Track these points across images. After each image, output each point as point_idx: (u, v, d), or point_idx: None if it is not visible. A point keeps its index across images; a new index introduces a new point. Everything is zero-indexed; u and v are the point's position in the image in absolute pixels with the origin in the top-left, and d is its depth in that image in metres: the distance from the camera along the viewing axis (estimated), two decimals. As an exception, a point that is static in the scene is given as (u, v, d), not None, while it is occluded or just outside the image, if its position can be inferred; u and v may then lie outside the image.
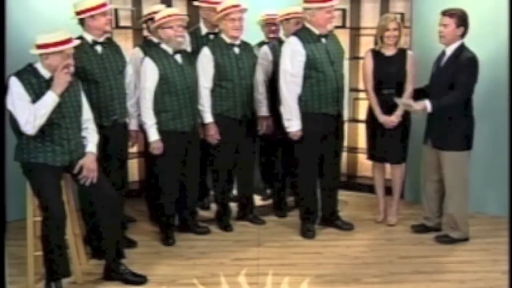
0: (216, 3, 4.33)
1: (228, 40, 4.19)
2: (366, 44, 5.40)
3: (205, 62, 4.14)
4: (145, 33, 4.84)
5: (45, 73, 3.23)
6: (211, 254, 3.98)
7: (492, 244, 4.11)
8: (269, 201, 5.00)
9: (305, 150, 4.15)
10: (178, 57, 3.98)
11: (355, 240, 4.25)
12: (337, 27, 5.46)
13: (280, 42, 4.50)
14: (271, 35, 4.66)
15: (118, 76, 3.83)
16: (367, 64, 4.35)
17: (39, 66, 3.24)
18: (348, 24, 5.45)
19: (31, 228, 3.46)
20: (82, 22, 3.71)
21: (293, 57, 4.00)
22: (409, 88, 4.29)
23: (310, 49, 4.00)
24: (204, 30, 4.54)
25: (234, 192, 4.69)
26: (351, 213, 4.85)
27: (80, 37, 4.18)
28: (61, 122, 3.25)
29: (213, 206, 4.72)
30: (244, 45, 4.27)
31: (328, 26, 4.12)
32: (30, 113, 3.11)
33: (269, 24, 4.66)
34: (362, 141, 5.56)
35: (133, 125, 4.07)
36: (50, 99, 3.16)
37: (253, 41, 4.52)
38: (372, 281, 3.57)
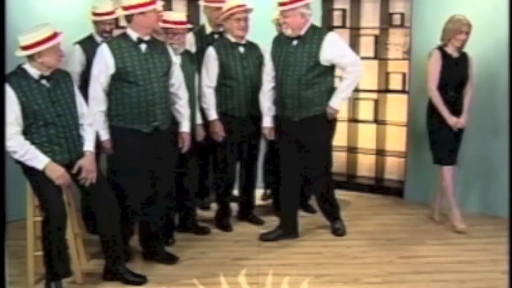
0: (220, 2, 4.36)
1: (233, 40, 4.20)
2: (366, 44, 5.42)
3: (210, 62, 4.16)
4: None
5: (34, 73, 3.19)
6: (211, 254, 3.98)
7: (492, 244, 4.10)
8: (269, 201, 5.00)
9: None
10: (178, 58, 3.95)
11: (355, 240, 4.25)
12: (337, 27, 5.47)
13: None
14: None
15: (162, 78, 3.57)
16: (436, 63, 4.21)
17: (28, 67, 3.20)
18: (348, 24, 5.45)
19: (31, 228, 3.46)
20: (128, 18, 3.48)
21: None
22: (469, 91, 4.27)
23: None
24: (208, 29, 4.55)
25: (235, 192, 4.69)
26: (351, 213, 4.84)
27: (90, 36, 4.23)
28: (57, 121, 3.22)
29: (213, 206, 4.72)
30: (250, 45, 4.27)
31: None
32: (18, 139, 3.13)
33: None
34: (362, 141, 5.58)
35: (185, 127, 3.84)
36: (37, 163, 3.16)
37: (258, 41, 4.49)
38: (372, 281, 3.57)
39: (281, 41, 4.02)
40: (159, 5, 3.55)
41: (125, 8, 3.47)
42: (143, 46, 3.52)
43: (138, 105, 3.49)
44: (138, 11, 3.43)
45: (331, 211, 4.37)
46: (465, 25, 4.13)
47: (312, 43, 3.91)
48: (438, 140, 4.31)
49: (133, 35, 3.50)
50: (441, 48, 4.24)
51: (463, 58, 4.26)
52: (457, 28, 4.14)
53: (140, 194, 3.62)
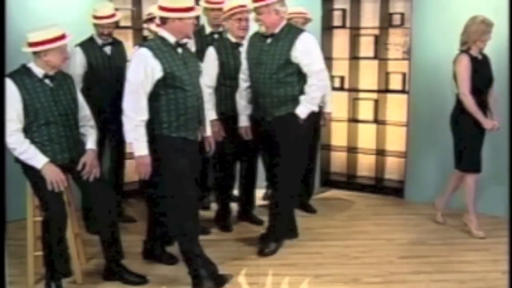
0: (219, 3, 4.38)
1: (233, 40, 4.21)
2: (366, 44, 5.41)
3: (210, 61, 4.16)
4: (146, 33, 4.85)
5: (39, 72, 3.22)
6: (211, 254, 3.96)
7: (492, 244, 4.11)
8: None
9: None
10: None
11: (355, 240, 4.25)
12: (337, 27, 5.48)
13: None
14: None
15: (200, 83, 3.45)
16: (467, 68, 4.06)
17: (32, 66, 3.23)
18: (348, 24, 5.44)
19: (31, 228, 3.46)
20: (163, 20, 3.29)
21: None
22: (493, 92, 4.22)
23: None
24: (208, 29, 4.56)
25: (235, 192, 4.69)
26: (351, 213, 4.85)
27: (90, 38, 4.25)
28: (58, 121, 3.24)
29: (213, 206, 4.72)
30: None
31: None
32: (18, 136, 3.14)
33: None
34: (362, 141, 5.58)
35: (209, 131, 3.69)
36: (36, 162, 3.17)
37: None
38: (372, 281, 3.57)
39: (256, 39, 3.94)
40: (198, 13, 3.38)
41: (163, 9, 3.25)
42: (179, 50, 3.33)
43: (185, 111, 3.29)
44: (176, 16, 3.22)
45: (281, 227, 4.05)
46: (489, 26, 4.05)
47: (286, 41, 3.76)
48: (473, 146, 4.17)
49: (170, 38, 3.28)
50: (466, 52, 4.12)
51: (486, 59, 4.21)
52: (483, 30, 4.05)
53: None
